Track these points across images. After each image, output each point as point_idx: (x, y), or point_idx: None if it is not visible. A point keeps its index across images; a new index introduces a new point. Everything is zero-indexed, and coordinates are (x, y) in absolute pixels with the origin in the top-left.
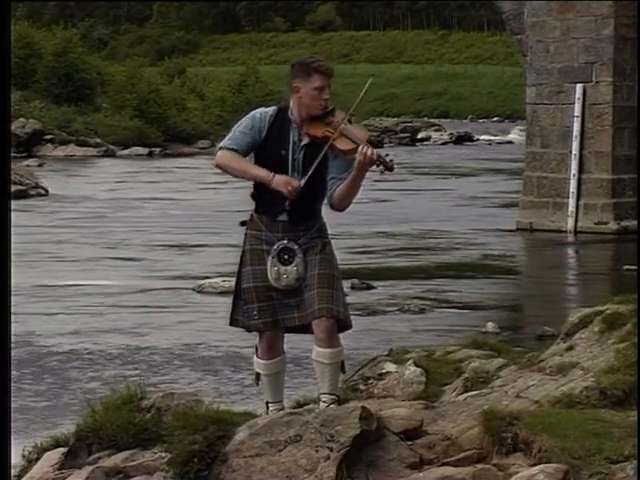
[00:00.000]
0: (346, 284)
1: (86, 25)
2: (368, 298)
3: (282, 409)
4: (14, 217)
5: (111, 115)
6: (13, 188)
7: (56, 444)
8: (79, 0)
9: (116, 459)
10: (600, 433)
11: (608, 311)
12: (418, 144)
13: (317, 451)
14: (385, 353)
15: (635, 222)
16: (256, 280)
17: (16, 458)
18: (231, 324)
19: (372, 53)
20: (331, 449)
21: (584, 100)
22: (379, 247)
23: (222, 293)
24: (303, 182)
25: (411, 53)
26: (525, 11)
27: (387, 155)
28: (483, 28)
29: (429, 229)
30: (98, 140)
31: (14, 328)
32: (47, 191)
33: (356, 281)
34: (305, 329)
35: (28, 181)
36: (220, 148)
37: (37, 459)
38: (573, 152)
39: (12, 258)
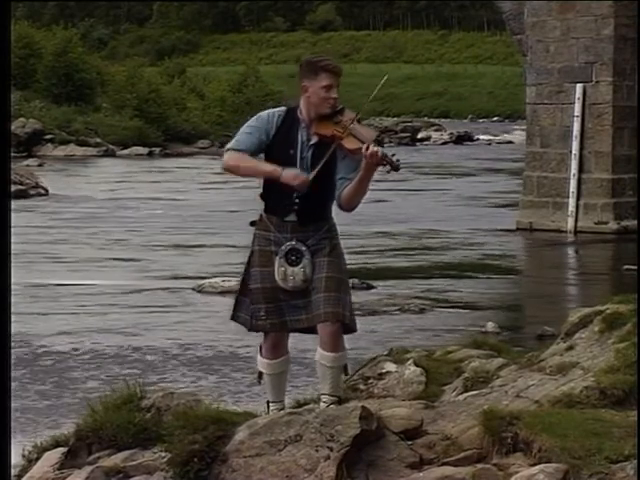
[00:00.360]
0: None
1: (86, 25)
2: (368, 298)
3: (283, 409)
4: (14, 217)
5: (111, 115)
6: (13, 188)
7: (56, 444)
8: (79, 0)
9: (116, 459)
10: (600, 433)
11: (608, 311)
12: (418, 144)
13: (317, 451)
14: (385, 353)
15: (635, 222)
16: (264, 282)
17: (16, 458)
18: (232, 319)
19: (372, 53)
20: (331, 449)
21: (584, 100)
22: (379, 247)
23: (222, 293)
24: (311, 176)
25: (411, 53)
26: (525, 11)
27: (394, 155)
28: (483, 28)
29: (429, 229)
30: (98, 140)
31: (13, 328)
32: (47, 191)
33: (356, 281)
34: (310, 329)
35: (28, 181)
36: (227, 150)
37: (37, 459)
38: (573, 152)
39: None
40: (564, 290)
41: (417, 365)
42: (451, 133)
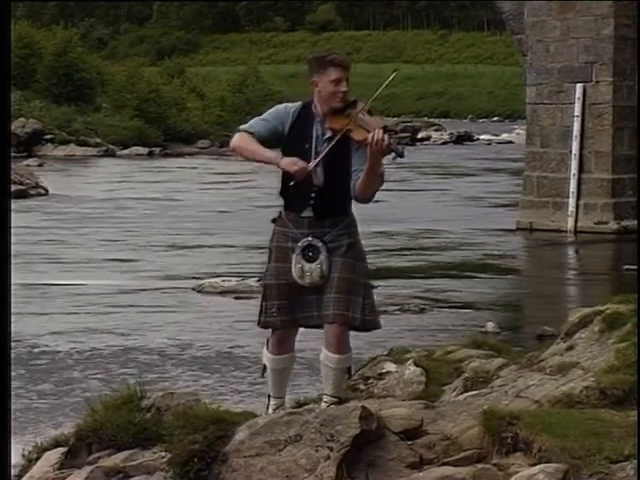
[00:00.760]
0: None
1: (86, 25)
2: None
3: (282, 404)
4: (14, 217)
5: (111, 115)
6: (13, 188)
7: (56, 444)
8: (79, 0)
9: (116, 459)
10: (600, 433)
11: (608, 311)
12: (418, 144)
13: (317, 451)
14: (385, 353)
15: (635, 222)
16: (279, 277)
17: (16, 458)
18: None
19: (372, 53)
20: (331, 449)
21: (584, 100)
22: (379, 247)
23: (222, 293)
24: (312, 165)
25: (411, 53)
26: (525, 11)
27: (399, 143)
28: (483, 28)
29: (429, 229)
30: (98, 140)
31: (13, 328)
32: (47, 191)
33: None
34: (322, 325)
35: (28, 181)
36: (238, 130)
37: (37, 459)
38: (573, 152)
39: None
40: (564, 290)
41: (417, 365)
42: (451, 133)
